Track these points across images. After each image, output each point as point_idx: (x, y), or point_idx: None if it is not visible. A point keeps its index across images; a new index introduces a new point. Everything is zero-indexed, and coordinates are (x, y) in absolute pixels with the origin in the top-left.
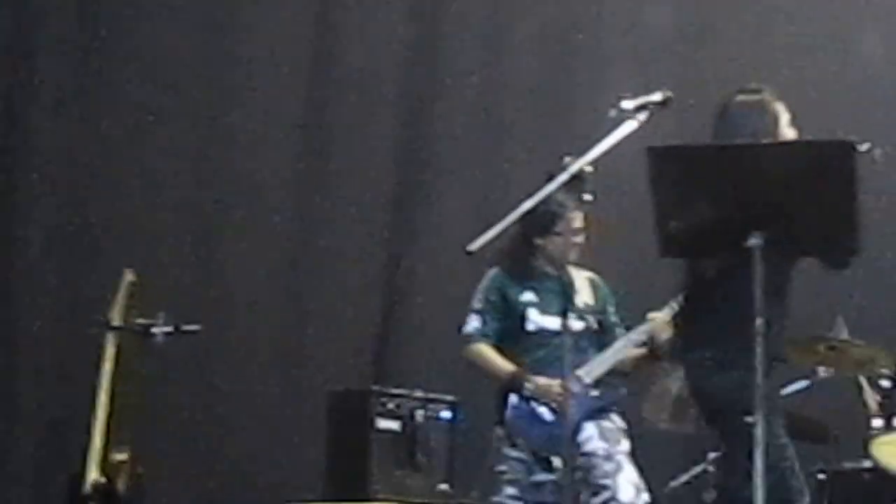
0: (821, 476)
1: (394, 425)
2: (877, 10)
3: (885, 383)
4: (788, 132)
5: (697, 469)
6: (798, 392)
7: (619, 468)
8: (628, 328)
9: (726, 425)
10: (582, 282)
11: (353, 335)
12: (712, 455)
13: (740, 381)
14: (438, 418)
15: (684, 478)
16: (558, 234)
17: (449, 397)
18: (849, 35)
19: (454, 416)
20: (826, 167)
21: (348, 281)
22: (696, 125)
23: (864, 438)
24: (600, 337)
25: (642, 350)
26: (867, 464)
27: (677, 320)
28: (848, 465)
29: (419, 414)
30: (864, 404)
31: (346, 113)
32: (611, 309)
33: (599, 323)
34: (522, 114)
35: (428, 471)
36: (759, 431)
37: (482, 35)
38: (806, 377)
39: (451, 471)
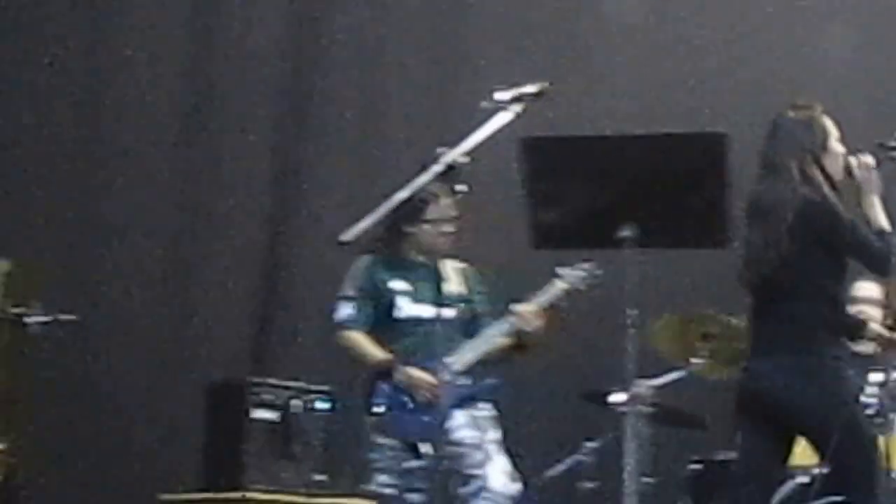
0: (694, 465)
1: (270, 416)
2: (842, 9)
3: None
4: (837, 147)
5: (573, 458)
6: (673, 382)
7: (489, 457)
8: (498, 318)
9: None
10: (452, 270)
11: (232, 326)
12: (588, 444)
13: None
14: (315, 409)
15: (560, 467)
16: (427, 222)
17: (326, 388)
18: (814, 34)
19: (331, 407)
20: (698, 159)
21: (227, 273)
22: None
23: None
24: (469, 326)
25: (511, 340)
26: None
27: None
28: (721, 453)
29: (295, 404)
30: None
31: (226, 106)
32: (480, 298)
33: (469, 312)
34: (400, 106)
35: (303, 461)
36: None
37: (359, 28)
38: (680, 368)
39: (327, 461)
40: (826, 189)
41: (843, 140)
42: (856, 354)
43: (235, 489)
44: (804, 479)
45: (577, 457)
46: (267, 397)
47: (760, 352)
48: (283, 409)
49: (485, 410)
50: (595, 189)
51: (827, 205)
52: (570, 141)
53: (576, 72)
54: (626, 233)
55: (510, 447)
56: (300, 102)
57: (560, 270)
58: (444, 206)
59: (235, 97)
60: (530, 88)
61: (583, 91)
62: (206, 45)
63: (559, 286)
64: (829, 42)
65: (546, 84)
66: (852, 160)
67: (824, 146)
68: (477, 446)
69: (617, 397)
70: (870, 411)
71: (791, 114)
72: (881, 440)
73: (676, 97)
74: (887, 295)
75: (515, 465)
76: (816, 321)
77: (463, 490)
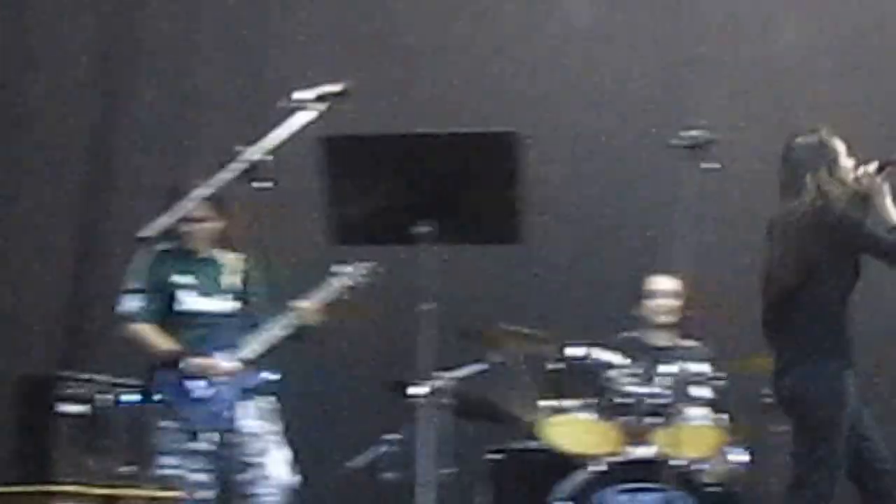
0: (493, 455)
1: (78, 409)
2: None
3: (554, 366)
4: (846, 162)
5: (376, 449)
6: (474, 374)
7: (269, 448)
8: (279, 312)
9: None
10: (233, 264)
11: (42, 320)
12: (390, 436)
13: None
14: (123, 402)
15: (364, 458)
16: (204, 218)
17: (136, 381)
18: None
19: (141, 400)
20: (490, 158)
21: (38, 267)
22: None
23: (534, 419)
24: (250, 319)
25: (292, 333)
26: (536, 444)
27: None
28: (518, 444)
29: (103, 398)
30: (532, 385)
31: (37, 103)
32: (258, 291)
33: (248, 305)
34: (210, 104)
35: (112, 454)
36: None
37: (169, 27)
38: (482, 360)
39: (136, 453)
40: (840, 199)
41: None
42: (650, 346)
43: (44, 482)
44: (600, 468)
45: (380, 448)
46: (75, 391)
47: (790, 363)
48: (91, 402)
49: (266, 402)
50: (392, 186)
51: (839, 211)
52: (368, 139)
53: (381, 72)
54: (422, 229)
55: (307, 438)
56: (111, 100)
57: (335, 268)
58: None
59: (46, 95)
60: (333, 88)
61: (390, 90)
62: (15, 43)
63: (336, 284)
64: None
65: (348, 84)
66: (859, 170)
67: (835, 162)
68: (258, 436)
69: (416, 389)
70: (661, 401)
71: (800, 139)
72: (673, 429)
73: (474, 97)
74: (682, 289)
75: (296, 456)
76: (837, 330)
77: (241, 477)
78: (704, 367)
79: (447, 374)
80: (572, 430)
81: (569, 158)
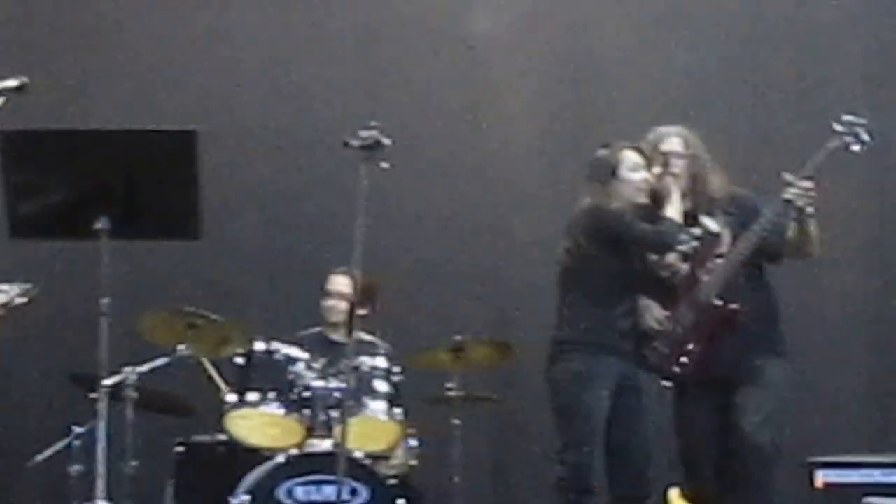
0: (179, 448)
1: None
2: (691, 21)
3: (240, 360)
4: (629, 175)
5: (62, 443)
6: (158, 368)
7: None
8: None
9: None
10: None
11: None
12: (77, 429)
13: None
14: None
15: (49, 451)
16: None
17: None
18: (664, 44)
19: None
20: (169, 155)
21: None
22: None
23: (219, 412)
24: None
25: None
26: (222, 437)
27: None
28: (204, 437)
29: None
30: (212, 380)
31: None
32: None
33: None
34: None
35: None
36: None
37: None
38: (166, 355)
39: None
40: (611, 204)
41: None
42: (332, 342)
43: None
44: (281, 461)
45: (65, 441)
46: None
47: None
48: None
49: None
50: (72, 181)
51: (605, 210)
52: (45, 134)
53: (62, 67)
54: (100, 224)
55: None
56: None
57: None
58: None
59: None
60: (10, 83)
61: (71, 86)
62: None
63: None
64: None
65: (25, 79)
66: (648, 178)
67: (614, 175)
68: None
69: (99, 383)
70: (342, 396)
71: (599, 152)
72: (353, 422)
73: (158, 94)
74: (355, 288)
75: None
76: (597, 318)
77: None
78: (383, 362)
79: (131, 369)
80: (257, 423)
81: (251, 156)
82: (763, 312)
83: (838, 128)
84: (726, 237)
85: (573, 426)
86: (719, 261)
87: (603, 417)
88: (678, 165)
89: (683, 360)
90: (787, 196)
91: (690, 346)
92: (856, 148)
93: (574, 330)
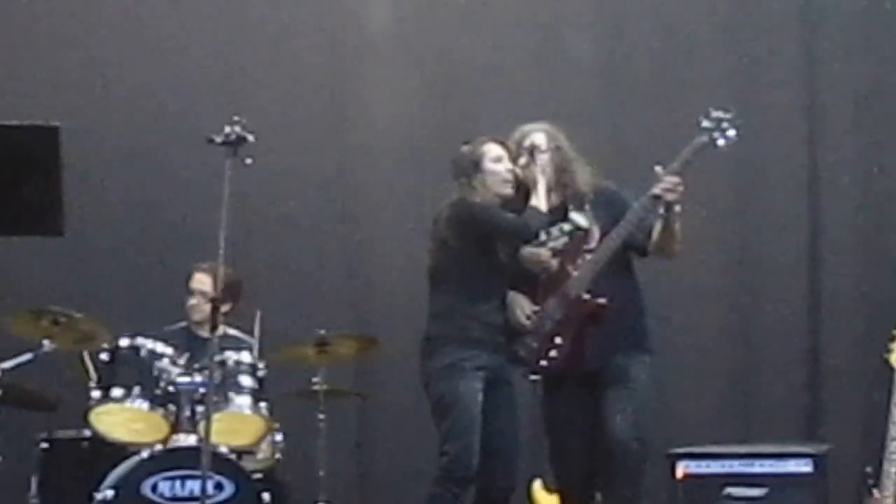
0: (43, 444)
1: None
2: (582, 13)
3: (104, 356)
4: (494, 167)
5: None
6: (22, 364)
7: None
8: None
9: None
10: None
11: None
12: None
13: None
14: None
15: None
16: None
17: None
18: (556, 36)
19: None
20: (31, 150)
21: None
22: None
23: (84, 408)
24: None
25: None
26: (87, 432)
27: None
28: (68, 433)
29: None
30: (88, 374)
31: None
32: None
33: None
34: None
35: None
36: None
37: None
38: (31, 350)
39: None
40: (476, 198)
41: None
42: (196, 337)
43: None
44: (145, 456)
45: None
46: None
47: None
48: None
49: None
50: None
51: (470, 203)
52: None
53: None
54: None
55: None
56: None
57: None
58: None
59: None
60: None
61: None
62: None
63: None
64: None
65: None
66: (516, 170)
67: (478, 169)
68: None
69: None
70: (207, 391)
71: (462, 148)
72: (218, 417)
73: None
74: (216, 284)
75: None
76: (461, 315)
77: None
78: (248, 357)
79: None
80: (121, 419)
81: (115, 153)
82: (630, 307)
83: (706, 123)
84: (595, 232)
85: (451, 417)
86: (588, 256)
87: (477, 407)
88: (543, 160)
89: (552, 354)
90: (655, 191)
91: (559, 341)
92: (721, 143)
93: (446, 325)
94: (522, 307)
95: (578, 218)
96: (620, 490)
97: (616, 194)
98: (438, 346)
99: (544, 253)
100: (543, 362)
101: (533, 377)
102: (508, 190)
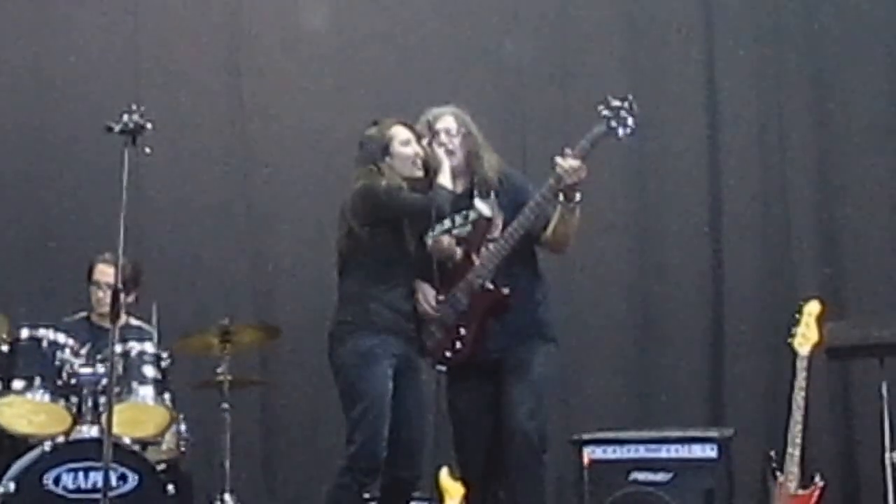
0: None
1: None
2: (526, 16)
3: (4, 348)
4: (402, 149)
5: None
6: None
7: None
8: None
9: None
10: None
11: None
12: None
13: None
14: None
15: None
16: None
17: None
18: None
19: None
20: None
21: None
22: None
23: None
24: None
25: None
26: None
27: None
28: None
29: None
30: None
31: None
32: None
33: None
34: None
35: None
36: None
37: None
38: None
39: None
40: (381, 182)
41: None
42: (97, 328)
43: None
44: (47, 448)
45: None
46: None
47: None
48: None
49: None
50: None
51: (375, 187)
52: None
53: None
54: None
55: None
56: None
57: None
58: None
59: None
60: None
61: None
62: None
63: None
64: None
65: None
66: (420, 151)
67: (386, 152)
68: None
69: None
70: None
71: (367, 131)
72: (121, 408)
73: None
74: (117, 274)
75: None
76: (367, 299)
77: None
78: (151, 348)
79: None
80: (22, 410)
81: (12, 143)
82: (533, 297)
83: (605, 112)
84: (498, 221)
85: (360, 406)
86: (491, 245)
87: (387, 395)
88: (452, 143)
89: (458, 346)
90: (557, 171)
91: (463, 332)
92: (621, 133)
93: (356, 311)
94: (426, 295)
95: (482, 206)
96: (522, 481)
97: (519, 179)
98: (349, 332)
99: (446, 240)
100: (448, 353)
101: (439, 367)
102: (418, 172)
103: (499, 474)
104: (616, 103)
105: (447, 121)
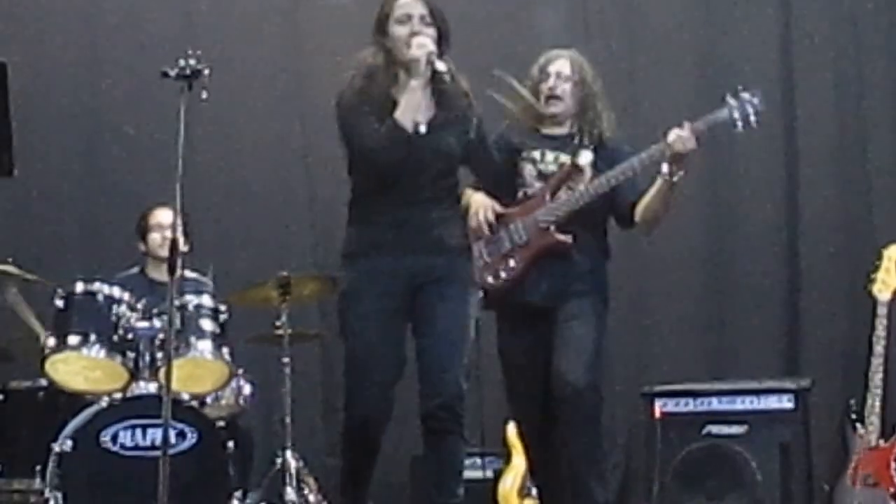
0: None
1: None
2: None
3: (59, 303)
4: (397, 30)
5: None
6: None
7: None
8: None
9: None
10: None
11: None
12: None
13: None
14: None
15: None
16: None
17: None
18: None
19: None
20: None
21: None
22: None
23: (39, 357)
24: None
25: None
26: (43, 382)
27: None
28: (23, 383)
29: None
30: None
31: None
32: None
33: None
34: None
35: None
36: None
37: None
38: None
39: None
40: (345, 94)
41: None
42: (152, 281)
43: None
44: (105, 405)
45: None
46: None
47: None
48: None
49: None
50: None
51: (338, 97)
52: None
53: None
54: None
55: None
56: None
57: None
58: None
59: None
60: None
61: None
62: None
63: None
64: None
65: None
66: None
67: (385, 32)
68: None
69: None
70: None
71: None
72: (178, 363)
73: None
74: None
75: None
76: (356, 233)
77: None
78: (209, 301)
79: None
80: (78, 367)
81: (65, 88)
82: (593, 254)
83: (731, 101)
84: (588, 173)
85: (346, 365)
86: (573, 191)
87: (373, 343)
88: (561, 88)
89: (502, 275)
90: (669, 138)
91: (512, 264)
92: (740, 126)
93: (351, 235)
94: (486, 208)
95: (581, 155)
96: (578, 437)
97: (627, 152)
98: (342, 266)
99: (528, 171)
100: (490, 279)
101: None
102: (421, 67)
103: (554, 427)
104: (746, 95)
105: (561, 64)
